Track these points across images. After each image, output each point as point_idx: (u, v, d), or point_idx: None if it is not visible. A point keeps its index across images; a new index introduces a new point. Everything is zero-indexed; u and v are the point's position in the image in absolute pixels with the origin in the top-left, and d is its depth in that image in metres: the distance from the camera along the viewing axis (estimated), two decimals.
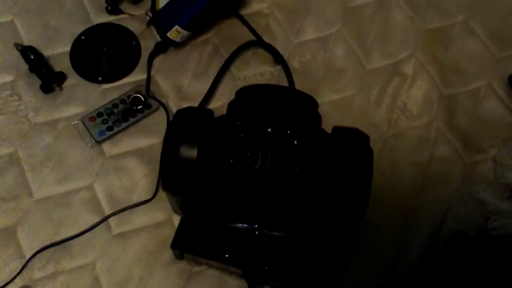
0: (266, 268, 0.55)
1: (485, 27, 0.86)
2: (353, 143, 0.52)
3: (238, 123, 0.50)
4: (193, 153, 0.50)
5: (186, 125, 0.53)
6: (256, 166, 0.49)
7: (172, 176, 0.52)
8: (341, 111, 0.80)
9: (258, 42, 0.84)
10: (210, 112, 0.56)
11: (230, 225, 0.51)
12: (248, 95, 0.52)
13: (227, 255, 0.57)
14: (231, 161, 0.50)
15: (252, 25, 0.85)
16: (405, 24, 0.86)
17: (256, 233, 0.51)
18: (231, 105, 0.52)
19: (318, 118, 0.53)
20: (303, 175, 0.51)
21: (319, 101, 0.67)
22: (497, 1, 0.87)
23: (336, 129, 0.54)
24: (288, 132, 0.49)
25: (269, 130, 0.49)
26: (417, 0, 0.87)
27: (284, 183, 0.50)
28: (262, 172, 0.49)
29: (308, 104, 0.53)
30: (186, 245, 0.62)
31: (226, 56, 0.83)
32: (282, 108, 0.51)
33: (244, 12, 0.87)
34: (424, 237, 0.71)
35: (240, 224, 0.50)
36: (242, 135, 0.49)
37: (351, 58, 0.84)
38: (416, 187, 0.74)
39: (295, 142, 0.50)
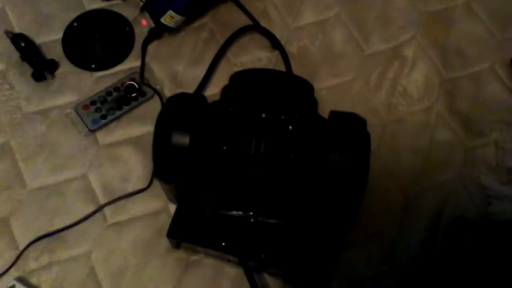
0: (263, 255, 0.54)
1: (487, 9, 0.84)
2: (350, 127, 0.51)
3: (231, 108, 0.48)
4: (185, 140, 0.49)
5: (178, 111, 0.51)
6: (250, 153, 0.48)
7: (164, 164, 0.50)
8: (340, 96, 0.79)
9: (255, 27, 0.82)
10: (203, 98, 0.54)
11: (224, 212, 0.49)
12: (242, 80, 0.51)
13: (223, 243, 0.56)
14: (224, 147, 0.49)
15: (248, 9, 0.84)
16: (405, 7, 0.84)
17: (252, 220, 0.50)
18: (225, 90, 0.51)
19: (314, 102, 0.52)
20: (298, 161, 0.49)
21: (317, 86, 0.65)
22: None
23: (332, 113, 0.53)
24: (283, 117, 0.48)
25: (263, 115, 0.48)
26: None
27: (279, 170, 0.49)
28: (256, 158, 0.48)
29: (304, 88, 0.51)
30: (182, 233, 0.61)
31: (222, 42, 0.81)
32: (276, 93, 0.49)
33: None
34: (424, 223, 0.69)
35: (234, 212, 0.49)
36: (235, 120, 0.48)
37: (350, 42, 0.82)
38: (416, 172, 0.73)
39: (290, 127, 0.49)
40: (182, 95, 0.54)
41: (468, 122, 0.76)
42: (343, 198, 0.49)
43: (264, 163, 0.49)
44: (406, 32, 0.83)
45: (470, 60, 0.81)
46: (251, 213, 0.49)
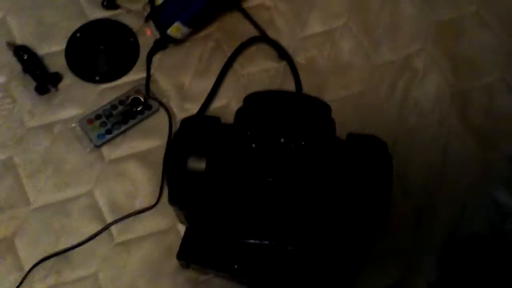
0: (278, 283, 0.53)
1: (498, 18, 0.83)
2: (371, 152, 0.49)
3: (248, 133, 0.47)
4: (201, 165, 0.47)
5: (193, 136, 0.50)
6: (270, 179, 0.46)
7: (179, 190, 0.49)
8: (350, 108, 0.77)
9: (262, 38, 0.80)
10: (217, 120, 0.52)
11: (242, 241, 0.48)
12: (257, 103, 0.49)
13: (236, 266, 0.54)
14: (243, 173, 0.47)
15: (255, 19, 0.82)
16: (414, 16, 0.83)
17: (268, 248, 0.48)
18: (240, 113, 0.49)
19: (332, 125, 0.50)
20: (320, 187, 0.48)
21: (326, 98, 0.63)
22: None
23: (351, 136, 0.51)
24: (302, 142, 0.46)
25: (282, 140, 0.46)
26: None
27: (299, 196, 0.47)
28: (276, 185, 0.47)
29: (322, 110, 0.50)
30: (193, 255, 0.59)
31: (228, 52, 0.80)
32: (295, 116, 0.48)
33: (246, 5, 0.83)
34: (439, 240, 0.68)
35: (252, 240, 0.48)
36: (253, 146, 0.46)
37: (359, 52, 0.81)
38: (429, 187, 0.71)
39: (310, 152, 0.47)
40: (196, 117, 0.53)
41: (482, 135, 0.75)
42: (365, 224, 0.48)
43: (285, 190, 0.47)
44: (416, 42, 0.81)
45: (482, 70, 0.79)
46: (268, 242, 0.48)
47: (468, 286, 0.64)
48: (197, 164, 0.47)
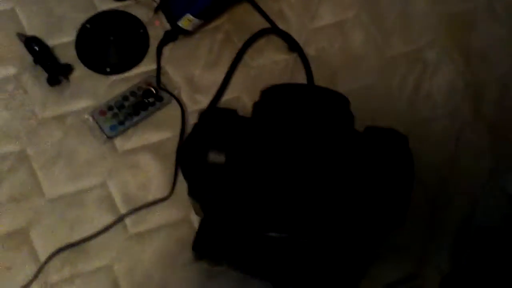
0: (292, 277, 0.53)
1: (509, 9, 0.82)
2: (391, 145, 0.49)
3: (268, 126, 0.47)
4: (221, 159, 0.47)
5: (212, 129, 0.50)
6: (291, 172, 0.46)
7: (199, 183, 0.49)
8: (361, 101, 0.76)
9: (272, 30, 0.80)
10: (235, 112, 0.52)
11: (262, 234, 0.48)
12: (275, 96, 0.49)
13: (253, 261, 0.55)
14: (263, 166, 0.48)
15: (264, 9, 0.81)
16: (426, 8, 0.83)
17: (287, 241, 0.49)
18: (258, 106, 0.49)
19: (351, 118, 0.50)
20: (340, 180, 0.48)
21: (337, 90, 0.63)
22: None
23: (369, 129, 0.51)
24: (323, 134, 0.46)
25: (303, 134, 0.46)
26: None
27: (320, 189, 0.48)
28: (297, 177, 0.47)
29: (340, 103, 0.50)
30: (208, 248, 0.59)
31: (238, 44, 0.80)
32: (314, 110, 0.48)
33: None
34: (452, 232, 0.69)
35: (272, 233, 0.48)
36: (274, 139, 0.47)
37: (370, 44, 0.81)
38: (442, 179, 0.72)
39: (330, 145, 0.47)
40: (214, 110, 0.53)
41: (495, 127, 0.75)
42: (385, 218, 0.48)
43: (307, 183, 0.48)
44: (427, 34, 0.81)
45: (494, 62, 0.79)
46: (288, 234, 0.48)
47: (481, 278, 0.64)
48: (217, 157, 0.47)
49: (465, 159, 0.73)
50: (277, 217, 0.49)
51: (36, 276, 0.66)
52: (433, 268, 0.67)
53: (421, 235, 0.69)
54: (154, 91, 0.75)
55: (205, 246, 0.60)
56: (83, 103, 0.76)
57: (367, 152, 0.49)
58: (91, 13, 0.81)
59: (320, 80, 0.78)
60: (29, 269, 0.66)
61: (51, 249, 0.67)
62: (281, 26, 0.81)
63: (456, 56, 0.79)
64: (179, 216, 0.70)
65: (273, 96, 0.49)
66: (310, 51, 0.80)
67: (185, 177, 0.50)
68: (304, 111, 0.48)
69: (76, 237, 0.68)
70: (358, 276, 0.57)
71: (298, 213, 0.48)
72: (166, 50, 0.80)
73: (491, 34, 0.81)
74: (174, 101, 0.76)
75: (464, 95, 0.77)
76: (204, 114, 0.52)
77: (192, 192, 0.50)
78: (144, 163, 0.73)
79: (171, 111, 0.76)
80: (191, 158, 0.49)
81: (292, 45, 0.79)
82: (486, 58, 0.79)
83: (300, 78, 0.78)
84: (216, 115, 0.52)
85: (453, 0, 0.83)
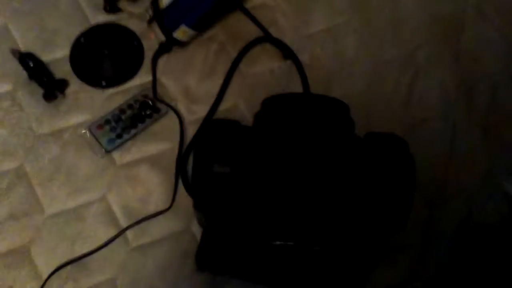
0: (300, 283, 0.54)
1: (498, 10, 0.84)
2: (393, 151, 0.50)
3: (271, 136, 0.47)
4: (226, 170, 0.48)
5: (216, 140, 0.50)
6: (295, 180, 0.47)
7: (205, 195, 0.49)
8: (356, 105, 0.77)
9: (266, 38, 0.81)
10: (237, 123, 0.53)
11: (269, 243, 0.49)
12: (276, 106, 0.50)
13: (257, 271, 0.55)
14: (267, 176, 0.48)
15: (257, 18, 0.82)
16: (416, 11, 0.84)
17: (292, 249, 0.49)
18: (259, 116, 0.50)
19: (352, 124, 0.51)
20: (343, 186, 0.49)
21: (332, 95, 0.64)
22: None
23: (370, 135, 0.52)
24: (325, 142, 0.47)
25: (305, 142, 0.47)
26: None
27: (324, 196, 0.48)
28: (300, 185, 0.47)
29: (341, 110, 0.51)
30: (212, 259, 0.60)
31: (233, 53, 0.80)
32: (315, 118, 0.48)
33: (248, 5, 0.83)
34: (450, 233, 0.70)
35: (278, 242, 0.49)
36: (277, 148, 0.47)
37: (363, 49, 0.82)
38: (438, 180, 0.73)
39: (333, 152, 0.48)
40: (217, 121, 0.53)
41: (487, 127, 0.76)
42: (388, 223, 0.49)
43: (308, 189, 0.48)
44: (418, 37, 0.82)
45: (484, 63, 0.81)
46: (292, 243, 0.49)
47: (479, 277, 0.65)
48: (222, 169, 0.48)
49: (460, 159, 0.74)
50: (282, 225, 0.49)
51: None
52: (432, 267, 0.68)
53: (419, 236, 0.70)
54: (151, 103, 0.76)
55: (208, 256, 0.61)
56: (80, 118, 0.76)
57: (369, 158, 0.50)
58: (85, 27, 0.81)
59: (315, 85, 0.79)
60: (31, 287, 0.66)
61: (53, 265, 0.67)
62: (274, 33, 0.81)
63: (447, 58, 0.81)
64: (181, 227, 0.70)
65: (274, 106, 0.49)
66: (304, 57, 0.81)
67: (190, 191, 0.50)
68: (305, 120, 0.48)
69: (77, 252, 0.68)
70: (362, 282, 0.58)
71: (302, 221, 0.49)
72: (161, 62, 0.80)
73: (481, 35, 0.82)
74: (171, 112, 0.76)
75: (457, 96, 0.78)
76: (206, 126, 0.52)
77: (198, 205, 0.50)
78: (143, 175, 0.73)
79: (168, 122, 0.76)
80: (196, 171, 0.50)
81: (286, 53, 0.80)
82: (477, 58, 0.81)
83: (296, 84, 0.79)
84: (219, 127, 0.52)
85: (442, 2, 0.84)
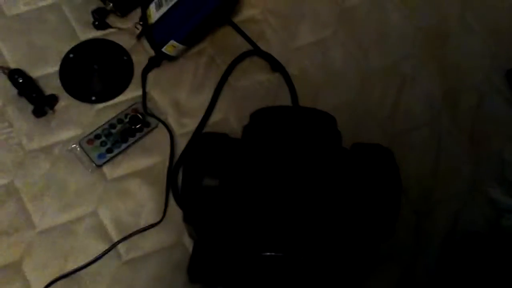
0: None
1: (481, 20, 0.86)
2: (379, 161, 0.51)
3: (259, 149, 0.48)
4: (215, 183, 0.49)
5: (205, 154, 0.51)
6: (283, 191, 0.48)
7: (195, 209, 0.50)
8: (344, 115, 0.78)
9: (255, 51, 0.82)
10: (226, 136, 0.54)
11: (259, 254, 0.49)
12: (264, 119, 0.51)
13: (249, 281, 0.56)
14: (256, 187, 0.49)
15: (246, 32, 0.83)
16: (400, 23, 0.86)
17: (281, 260, 0.50)
18: (248, 129, 0.51)
19: (338, 136, 0.52)
20: (331, 197, 0.50)
21: (319, 107, 0.65)
22: None
23: (356, 146, 0.53)
24: (312, 154, 0.48)
25: (293, 154, 0.48)
26: None
27: (312, 207, 0.49)
28: (288, 196, 0.48)
29: (328, 123, 0.52)
30: (203, 271, 0.60)
31: (222, 66, 0.81)
32: (302, 130, 0.49)
33: (237, 19, 0.85)
34: (438, 239, 0.71)
35: (268, 253, 0.49)
36: (265, 161, 0.48)
37: (350, 61, 0.83)
38: (426, 188, 0.74)
39: (320, 164, 0.49)
40: (205, 135, 0.54)
41: (472, 136, 0.78)
42: (375, 232, 0.50)
43: (296, 201, 0.49)
44: (403, 48, 0.84)
45: (468, 73, 0.82)
46: (282, 254, 0.49)
47: (468, 283, 0.66)
48: (211, 182, 0.49)
49: (447, 167, 0.76)
50: (271, 236, 0.50)
51: None
52: (423, 276, 0.69)
53: (409, 244, 0.71)
54: (141, 117, 0.76)
55: (200, 269, 0.61)
56: (70, 133, 0.76)
57: (355, 168, 0.51)
58: (74, 43, 0.81)
59: (303, 97, 0.80)
60: None
61: (45, 281, 0.67)
62: (263, 47, 0.83)
63: (432, 68, 0.82)
64: (172, 240, 0.70)
65: (262, 119, 0.50)
66: (292, 70, 0.82)
67: (180, 204, 0.51)
68: (293, 132, 0.49)
69: (70, 267, 0.68)
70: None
71: (291, 231, 0.49)
72: (151, 76, 0.81)
73: (464, 45, 0.84)
74: (161, 126, 0.77)
75: (442, 105, 0.80)
76: (195, 140, 0.53)
77: (188, 219, 0.51)
78: (134, 189, 0.73)
79: (159, 136, 0.77)
80: (186, 184, 0.50)
81: (275, 65, 0.81)
82: (461, 68, 0.82)
83: (284, 96, 0.80)
84: (207, 140, 0.53)
85: (427, 13, 0.86)
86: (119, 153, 0.75)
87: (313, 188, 0.49)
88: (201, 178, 0.49)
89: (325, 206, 0.50)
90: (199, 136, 0.54)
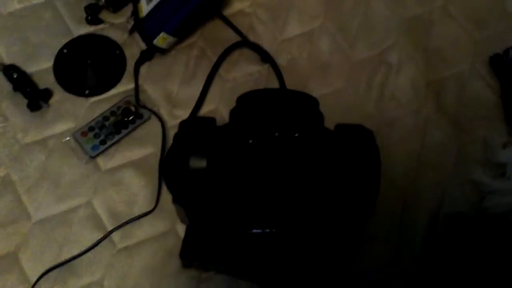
0: (279, 276, 0.56)
1: (463, 10, 0.88)
2: (359, 140, 0.53)
3: (244, 130, 0.50)
4: (202, 164, 0.50)
5: (192, 136, 0.53)
6: (268, 171, 0.50)
7: (183, 189, 0.52)
8: (332, 105, 0.81)
9: (244, 43, 0.84)
10: (213, 120, 0.56)
11: (247, 232, 0.51)
12: (250, 101, 0.53)
13: (239, 261, 0.57)
14: (242, 168, 0.51)
15: (236, 25, 0.85)
16: (386, 14, 0.87)
17: (269, 236, 0.52)
18: (234, 112, 0.53)
19: (321, 117, 0.54)
20: (314, 175, 0.51)
21: None
22: None
23: (339, 126, 0.55)
24: (296, 135, 0.50)
25: (277, 134, 0.50)
26: None
27: (296, 185, 0.51)
28: (274, 175, 0.50)
29: (310, 104, 0.54)
30: (195, 253, 0.62)
31: (213, 58, 0.83)
32: (286, 111, 0.51)
33: (226, 12, 0.87)
34: (424, 222, 0.72)
35: (255, 230, 0.51)
36: (250, 141, 0.50)
37: (337, 51, 0.85)
38: (411, 173, 0.76)
39: (303, 143, 0.51)
40: (193, 118, 0.55)
41: (456, 121, 0.80)
42: (356, 210, 0.52)
43: (281, 179, 0.51)
44: (389, 38, 0.86)
45: (452, 60, 0.84)
46: (269, 230, 0.51)
47: (453, 263, 0.68)
48: (199, 163, 0.50)
49: (431, 153, 0.77)
50: (258, 215, 0.52)
51: None
52: (408, 256, 0.71)
53: (395, 226, 0.72)
54: (134, 109, 0.78)
55: (192, 252, 0.63)
56: (64, 126, 0.78)
57: (337, 147, 0.52)
58: (68, 39, 0.83)
59: (292, 87, 0.82)
60: None
61: (41, 270, 0.68)
62: (252, 39, 0.85)
63: (417, 57, 0.84)
64: (165, 227, 0.72)
65: (247, 102, 0.52)
66: (281, 61, 0.84)
67: (169, 185, 0.52)
68: (276, 113, 0.51)
69: (65, 256, 0.70)
70: (341, 270, 0.60)
71: (277, 209, 0.51)
72: (143, 69, 0.82)
73: (448, 34, 0.86)
74: (154, 118, 0.79)
75: (426, 93, 0.82)
76: (183, 123, 0.55)
77: (176, 199, 0.53)
78: (127, 180, 0.75)
79: (151, 127, 0.78)
80: (173, 165, 0.52)
81: (264, 57, 0.83)
82: (444, 57, 0.84)
83: (274, 86, 0.82)
84: (195, 123, 0.55)
85: (411, 4, 0.88)
86: (113, 144, 0.76)
87: (296, 167, 0.51)
88: (188, 158, 0.51)
89: (309, 184, 0.51)
90: (187, 119, 0.56)
